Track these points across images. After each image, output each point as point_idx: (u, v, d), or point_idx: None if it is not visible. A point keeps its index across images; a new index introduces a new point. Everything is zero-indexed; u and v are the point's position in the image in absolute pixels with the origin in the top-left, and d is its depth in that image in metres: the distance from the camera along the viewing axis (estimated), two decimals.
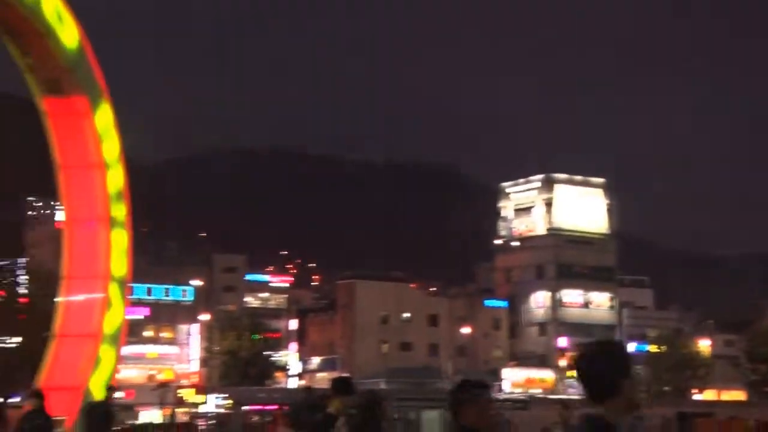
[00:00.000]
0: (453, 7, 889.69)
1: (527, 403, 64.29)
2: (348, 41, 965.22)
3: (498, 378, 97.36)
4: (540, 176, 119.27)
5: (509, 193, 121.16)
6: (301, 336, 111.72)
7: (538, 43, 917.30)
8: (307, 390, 28.32)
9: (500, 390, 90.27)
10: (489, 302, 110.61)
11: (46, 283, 56.88)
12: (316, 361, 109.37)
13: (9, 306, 66.49)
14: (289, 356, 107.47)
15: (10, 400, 48.44)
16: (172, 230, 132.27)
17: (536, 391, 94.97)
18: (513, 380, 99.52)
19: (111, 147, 31.00)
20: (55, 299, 31.71)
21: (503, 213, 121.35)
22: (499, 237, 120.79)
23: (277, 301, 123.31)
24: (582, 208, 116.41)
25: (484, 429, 5.23)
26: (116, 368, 31.81)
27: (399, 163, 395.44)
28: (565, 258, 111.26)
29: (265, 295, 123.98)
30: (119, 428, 40.45)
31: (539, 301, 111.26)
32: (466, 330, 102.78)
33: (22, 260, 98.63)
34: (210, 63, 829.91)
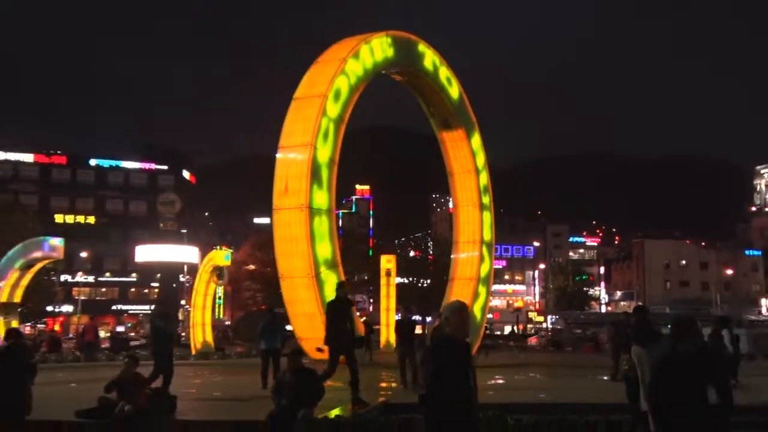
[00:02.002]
0: None
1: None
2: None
3: (757, 305, 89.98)
4: None
5: (763, 174, 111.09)
6: (607, 278, 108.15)
7: None
8: (624, 314, 27.28)
9: (759, 314, 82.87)
10: (748, 252, 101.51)
11: (444, 246, 58.95)
12: (618, 294, 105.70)
13: (422, 261, 69.49)
14: (600, 291, 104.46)
15: (427, 320, 50.77)
16: (519, 211, 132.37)
17: None
18: None
19: (480, 159, 31.46)
20: (450, 256, 32.78)
21: (758, 188, 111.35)
22: (754, 205, 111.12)
23: (590, 254, 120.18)
24: None
25: None
26: (489, 299, 32.37)
27: (674, 156, 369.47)
28: None
29: (582, 251, 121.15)
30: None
31: None
32: (729, 272, 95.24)
33: (429, 232, 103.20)
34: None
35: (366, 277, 59.76)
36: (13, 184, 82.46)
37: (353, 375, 11.39)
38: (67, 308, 74.37)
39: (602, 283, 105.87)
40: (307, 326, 22.23)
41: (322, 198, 22.18)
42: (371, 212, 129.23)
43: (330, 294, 21.96)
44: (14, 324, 30.56)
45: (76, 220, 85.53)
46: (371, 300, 61.75)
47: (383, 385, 15.59)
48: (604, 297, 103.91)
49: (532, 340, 54.80)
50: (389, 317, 32.50)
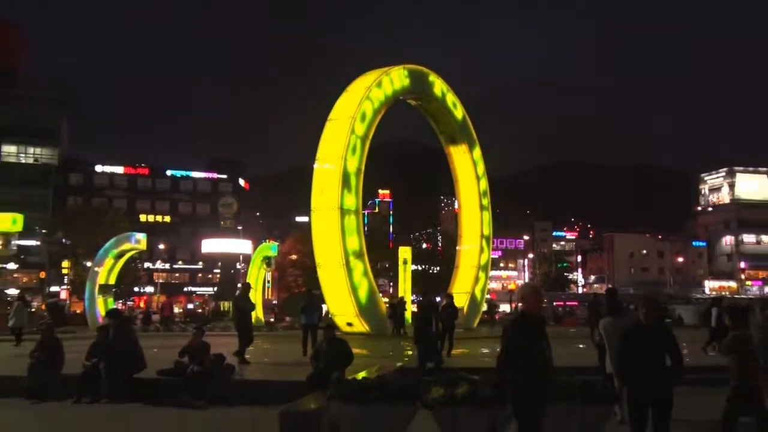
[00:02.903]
0: None
1: (720, 300, 57.15)
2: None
3: (701, 286, 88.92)
4: (725, 168, 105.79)
5: (706, 180, 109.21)
6: (583, 264, 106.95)
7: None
8: (594, 295, 27.23)
9: (703, 292, 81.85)
10: (695, 243, 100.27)
11: (451, 240, 58.61)
12: (592, 278, 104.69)
13: (433, 252, 69.18)
14: (577, 276, 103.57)
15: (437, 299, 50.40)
16: (512, 210, 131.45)
17: (725, 293, 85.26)
18: (710, 287, 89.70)
19: (481, 168, 31.22)
20: (456, 248, 32.63)
21: (702, 191, 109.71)
22: (700, 205, 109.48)
23: (569, 246, 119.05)
24: (754, 186, 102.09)
25: None
26: (487, 283, 32.23)
27: (637, 166, 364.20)
28: (742, 216, 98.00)
29: (563, 243, 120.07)
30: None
31: (727, 241, 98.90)
32: (680, 259, 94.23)
33: (439, 228, 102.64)
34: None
35: (387, 265, 59.71)
36: (108, 191, 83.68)
37: (433, 360, 11.80)
38: (149, 289, 75.51)
39: (579, 269, 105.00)
40: (339, 305, 22.34)
41: (351, 201, 22.27)
42: (391, 212, 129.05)
43: (358, 279, 22.03)
44: (110, 301, 31.24)
45: (156, 219, 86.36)
46: (391, 284, 61.64)
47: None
48: (581, 280, 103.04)
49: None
50: (406, 297, 32.58)
